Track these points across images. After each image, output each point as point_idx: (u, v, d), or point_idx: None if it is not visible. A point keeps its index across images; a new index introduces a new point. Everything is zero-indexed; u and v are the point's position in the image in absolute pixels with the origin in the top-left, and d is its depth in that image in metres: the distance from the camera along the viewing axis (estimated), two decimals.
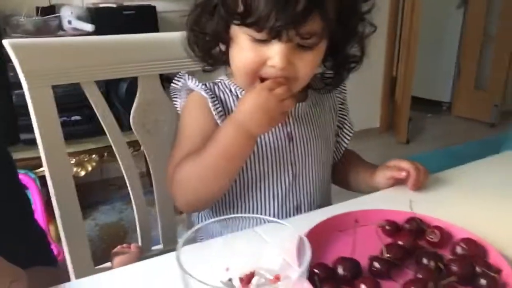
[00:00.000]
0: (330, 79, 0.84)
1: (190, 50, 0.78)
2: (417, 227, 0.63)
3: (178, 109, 0.84)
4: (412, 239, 0.60)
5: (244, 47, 0.70)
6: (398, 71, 3.59)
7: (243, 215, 0.58)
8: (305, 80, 0.74)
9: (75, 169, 2.01)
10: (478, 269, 0.54)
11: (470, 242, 0.59)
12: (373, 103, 3.65)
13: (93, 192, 2.48)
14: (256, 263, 0.54)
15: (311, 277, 0.53)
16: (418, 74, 3.65)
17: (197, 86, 0.78)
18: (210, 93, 0.77)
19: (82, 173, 2.04)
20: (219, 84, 0.81)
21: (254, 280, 0.52)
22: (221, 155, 0.69)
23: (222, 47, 0.76)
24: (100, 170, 2.44)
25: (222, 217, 0.58)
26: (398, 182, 0.81)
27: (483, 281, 0.53)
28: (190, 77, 0.80)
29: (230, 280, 0.53)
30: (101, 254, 1.96)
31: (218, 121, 0.76)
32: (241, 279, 0.52)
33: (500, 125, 3.84)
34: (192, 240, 0.52)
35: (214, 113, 0.76)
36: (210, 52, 0.78)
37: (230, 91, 0.80)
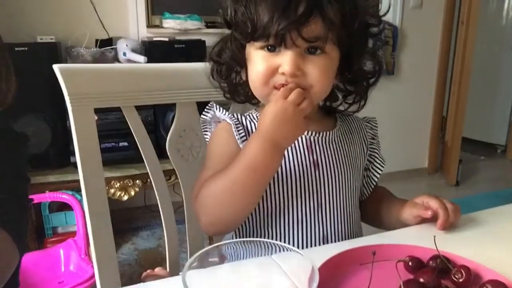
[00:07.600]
0: (352, 99, 0.85)
1: (213, 80, 0.84)
2: (441, 265, 0.60)
3: (207, 141, 0.87)
4: (435, 277, 0.57)
5: (257, 61, 0.74)
6: (448, 111, 3.49)
7: (259, 239, 0.57)
8: (320, 88, 0.74)
9: (118, 193, 2.08)
10: None
11: (498, 285, 0.55)
12: (421, 143, 3.55)
13: (135, 217, 2.54)
14: None
15: None
16: (471, 115, 3.53)
17: (224, 114, 0.81)
18: (235, 120, 0.80)
19: (125, 197, 2.11)
20: (248, 116, 0.84)
21: None
22: (247, 169, 0.68)
23: (243, 76, 0.80)
24: (144, 196, 2.51)
25: (237, 240, 0.58)
26: (426, 220, 0.77)
27: None
28: (218, 107, 0.83)
29: None
30: (137, 279, 1.99)
31: (241, 146, 0.78)
32: None
33: None
34: (200, 264, 0.52)
35: (237, 137, 0.78)
36: (231, 80, 0.84)
37: (257, 122, 0.82)
